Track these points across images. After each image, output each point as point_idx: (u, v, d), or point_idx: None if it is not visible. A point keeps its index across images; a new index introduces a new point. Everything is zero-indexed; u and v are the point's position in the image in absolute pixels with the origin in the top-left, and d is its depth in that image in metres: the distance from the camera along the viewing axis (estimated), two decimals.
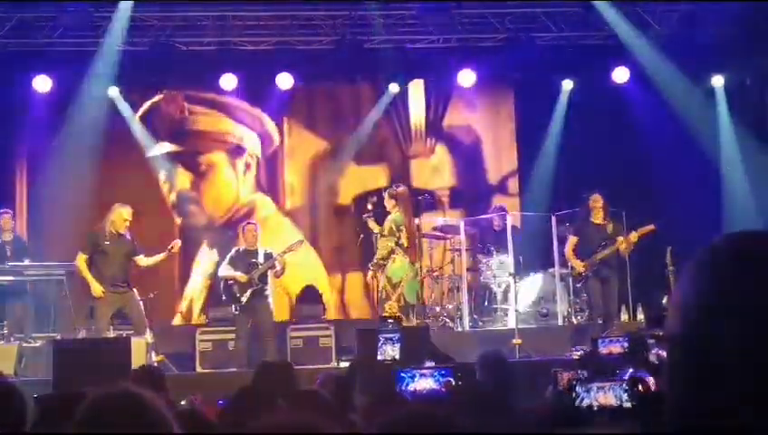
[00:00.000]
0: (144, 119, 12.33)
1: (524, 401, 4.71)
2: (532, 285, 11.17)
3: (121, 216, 9.34)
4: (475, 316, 11.11)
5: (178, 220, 12.45)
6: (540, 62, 11.80)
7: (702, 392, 1.11)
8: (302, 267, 11.94)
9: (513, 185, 13.09)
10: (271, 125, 12.80)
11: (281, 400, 3.65)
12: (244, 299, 9.77)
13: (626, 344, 6.07)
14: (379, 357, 7.17)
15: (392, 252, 9.57)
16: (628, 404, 3.81)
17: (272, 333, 9.84)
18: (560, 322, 10.83)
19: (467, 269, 11.22)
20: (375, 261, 9.65)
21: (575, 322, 10.85)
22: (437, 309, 11.22)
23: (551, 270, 11.00)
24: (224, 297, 10.06)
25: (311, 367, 8.88)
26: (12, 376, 8.13)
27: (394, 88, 12.43)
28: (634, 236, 9.95)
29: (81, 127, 11.50)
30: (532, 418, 3.94)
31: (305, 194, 12.83)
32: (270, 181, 12.81)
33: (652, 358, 5.49)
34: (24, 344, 9.54)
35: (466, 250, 11.29)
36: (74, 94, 11.51)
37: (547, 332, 10.61)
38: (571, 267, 10.27)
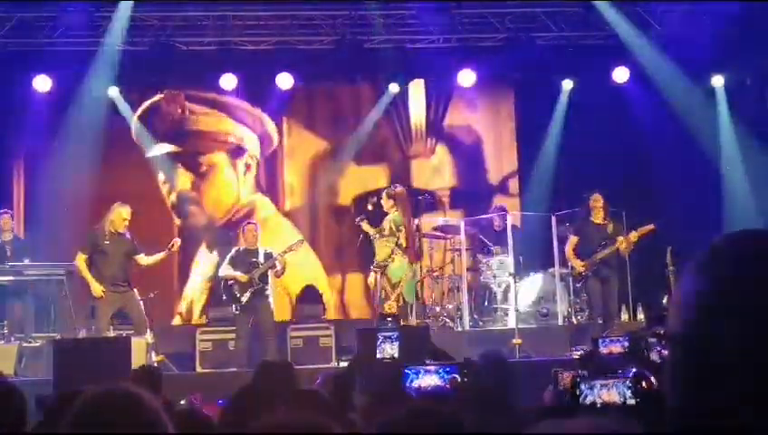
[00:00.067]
0: (144, 119, 12.33)
1: (524, 400, 4.71)
2: (532, 284, 11.17)
3: (120, 215, 9.34)
4: (475, 316, 11.11)
5: (178, 221, 12.45)
6: (540, 62, 11.80)
7: (702, 392, 1.11)
8: (303, 267, 11.94)
9: (514, 185, 13.08)
10: (271, 125, 12.79)
11: (281, 400, 3.64)
12: (244, 299, 9.77)
13: (626, 344, 6.07)
14: (377, 356, 7.17)
15: (392, 252, 9.58)
16: (632, 401, 3.80)
17: (272, 332, 9.84)
18: (560, 322, 10.83)
19: (467, 269, 11.22)
20: (377, 262, 9.64)
21: (575, 322, 10.85)
22: (437, 309, 11.22)
23: (551, 270, 11.00)
24: (224, 297, 10.06)
25: (311, 367, 8.88)
26: (12, 376, 8.13)
27: (394, 88, 12.43)
28: (634, 235, 9.95)
29: (81, 127, 11.50)
30: (532, 417, 3.94)
31: (305, 194, 12.83)
32: (270, 182, 12.80)
33: (654, 357, 5.48)
34: (24, 344, 9.54)
35: (466, 250, 11.30)
36: (74, 94, 11.51)
37: (547, 332, 10.61)
38: (571, 267, 10.27)
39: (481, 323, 11.12)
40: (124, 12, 11.00)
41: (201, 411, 3.98)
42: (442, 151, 13.11)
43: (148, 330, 9.27)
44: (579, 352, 8.03)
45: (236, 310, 9.83)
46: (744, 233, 1.19)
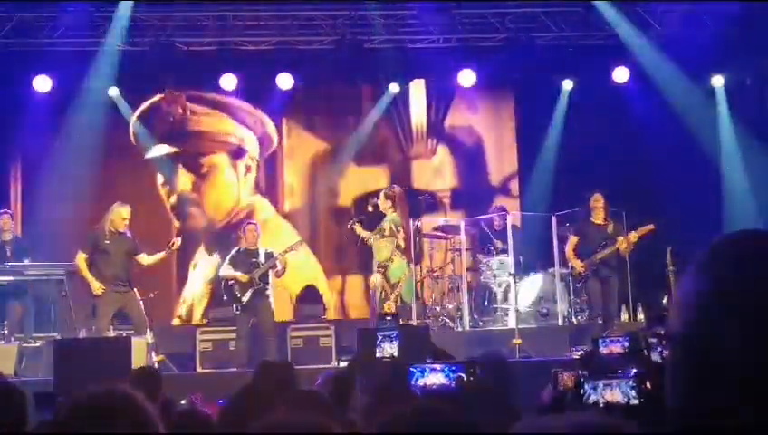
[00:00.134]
0: (144, 119, 12.32)
1: (524, 400, 4.71)
2: (532, 284, 11.17)
3: (120, 215, 9.34)
4: (475, 316, 11.11)
5: (177, 223, 12.42)
6: (540, 63, 11.80)
7: (702, 392, 1.11)
8: (303, 268, 11.93)
9: (515, 186, 13.08)
10: (271, 126, 12.79)
11: (281, 400, 3.64)
12: (245, 299, 9.78)
13: (626, 344, 6.06)
14: (377, 355, 7.17)
15: (392, 252, 9.58)
16: (636, 401, 3.78)
17: (273, 332, 9.85)
18: (560, 322, 10.83)
19: (467, 269, 11.22)
20: (379, 262, 9.63)
21: (575, 322, 10.85)
22: (437, 309, 11.22)
23: (551, 270, 11.00)
24: (225, 297, 10.06)
25: (311, 367, 8.87)
26: (12, 376, 8.13)
27: (394, 88, 12.43)
28: (634, 236, 9.95)
29: (81, 127, 11.50)
30: (532, 417, 3.93)
31: (305, 195, 12.81)
32: (269, 183, 12.79)
33: (655, 357, 5.47)
34: (24, 344, 9.54)
35: (467, 250, 11.30)
36: (74, 94, 11.52)
37: (547, 332, 10.60)
38: (571, 267, 10.27)
39: (481, 323, 11.12)
40: (124, 12, 11.01)
41: (201, 411, 3.97)
42: (443, 152, 13.10)
43: (149, 330, 9.27)
44: (579, 353, 8.03)
45: (237, 310, 9.83)
46: (744, 233, 1.19)
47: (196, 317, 12.11)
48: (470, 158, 13.11)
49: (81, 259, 9.29)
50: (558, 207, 11.22)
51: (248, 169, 12.74)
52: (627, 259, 10.19)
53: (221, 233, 12.25)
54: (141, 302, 9.50)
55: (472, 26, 11.85)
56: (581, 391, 3.90)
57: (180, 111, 12.44)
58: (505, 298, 11.03)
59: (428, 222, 11.53)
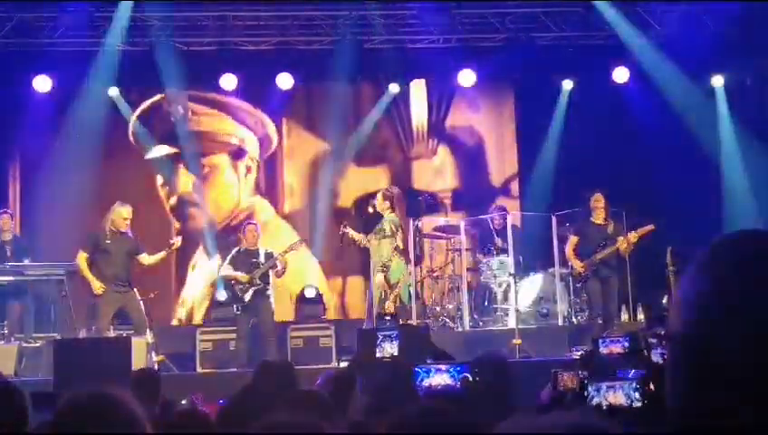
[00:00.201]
0: (144, 119, 12.31)
1: (524, 401, 4.71)
2: (532, 285, 11.16)
3: (121, 214, 9.34)
4: (475, 316, 11.10)
5: (177, 224, 12.41)
6: (540, 63, 11.80)
7: (702, 392, 1.11)
8: (303, 268, 11.92)
9: (516, 187, 13.06)
10: (271, 127, 12.77)
11: (281, 400, 3.64)
12: (245, 299, 9.78)
13: (626, 344, 6.06)
14: (377, 354, 7.18)
15: (391, 253, 9.59)
16: (639, 404, 3.77)
17: (273, 332, 9.85)
18: (560, 322, 10.82)
19: (467, 269, 11.21)
20: (382, 263, 9.63)
21: (575, 322, 10.84)
22: (437, 309, 11.21)
23: (551, 270, 10.99)
24: (226, 295, 10.06)
25: (311, 367, 8.87)
26: (12, 376, 8.13)
27: (394, 88, 12.42)
28: (634, 236, 9.94)
29: (81, 127, 11.50)
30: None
31: (305, 196, 12.79)
32: (269, 183, 12.77)
33: (655, 357, 5.46)
34: (24, 344, 9.54)
35: (467, 250, 11.29)
36: (74, 94, 11.52)
37: (547, 332, 10.60)
38: (571, 267, 10.27)
39: (481, 323, 11.11)
40: (124, 12, 11.01)
41: (201, 411, 3.97)
42: (444, 152, 13.08)
43: (149, 330, 9.27)
44: (579, 353, 8.03)
45: (238, 310, 9.83)
46: (743, 233, 1.19)
47: (197, 319, 12.09)
48: (471, 158, 13.10)
49: (81, 259, 9.29)
50: (558, 207, 11.20)
51: (248, 169, 12.72)
52: (627, 259, 10.18)
53: (220, 235, 12.21)
54: (141, 302, 9.51)
55: (472, 26, 11.86)
56: (585, 393, 3.89)
57: (182, 111, 12.39)
58: (505, 298, 11.02)
59: (428, 222, 11.52)
